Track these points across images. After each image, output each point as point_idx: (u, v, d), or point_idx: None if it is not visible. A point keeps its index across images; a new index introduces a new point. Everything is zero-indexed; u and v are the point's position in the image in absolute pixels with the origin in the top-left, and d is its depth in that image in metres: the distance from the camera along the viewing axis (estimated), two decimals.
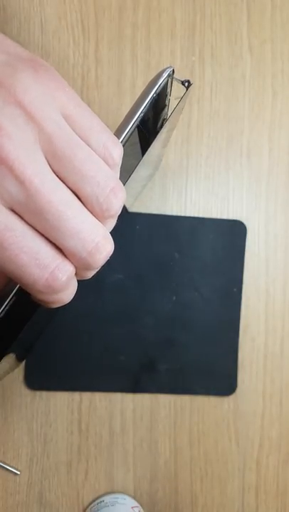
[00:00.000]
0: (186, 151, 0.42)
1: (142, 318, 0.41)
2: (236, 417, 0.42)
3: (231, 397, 0.42)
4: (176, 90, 0.25)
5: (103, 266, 0.19)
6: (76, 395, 0.40)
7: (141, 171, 0.29)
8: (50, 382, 0.40)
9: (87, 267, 0.18)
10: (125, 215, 0.40)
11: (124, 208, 0.39)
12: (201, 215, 0.42)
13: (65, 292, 0.18)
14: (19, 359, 0.38)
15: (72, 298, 0.19)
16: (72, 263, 0.18)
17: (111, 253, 0.18)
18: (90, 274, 0.19)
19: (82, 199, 0.18)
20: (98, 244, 0.18)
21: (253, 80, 0.42)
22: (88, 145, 0.18)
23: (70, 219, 0.17)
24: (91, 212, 0.18)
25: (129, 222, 0.41)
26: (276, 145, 0.43)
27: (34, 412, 0.40)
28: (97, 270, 0.19)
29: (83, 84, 0.41)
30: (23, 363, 0.40)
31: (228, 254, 0.42)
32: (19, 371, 0.40)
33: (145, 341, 0.41)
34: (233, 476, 0.42)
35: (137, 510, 0.39)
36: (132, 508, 0.39)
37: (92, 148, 0.18)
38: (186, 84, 0.24)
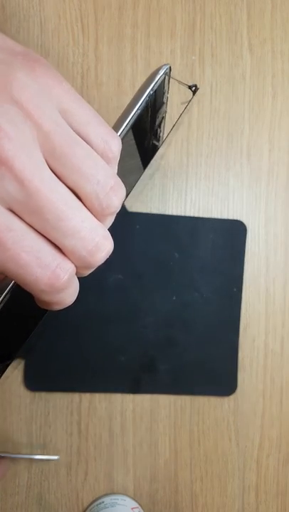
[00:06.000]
0: (186, 150, 0.42)
1: (142, 318, 0.41)
2: (236, 417, 0.42)
3: (231, 397, 0.42)
4: (183, 94, 0.25)
5: (101, 265, 0.19)
6: (76, 396, 0.40)
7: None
8: (50, 383, 0.40)
9: (87, 266, 0.18)
10: (125, 215, 0.40)
11: (124, 208, 0.39)
12: (201, 214, 0.42)
13: (67, 292, 0.18)
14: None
15: (74, 300, 0.19)
16: (72, 262, 0.18)
17: (110, 252, 0.18)
18: (88, 272, 0.19)
19: (81, 197, 0.17)
20: (98, 243, 0.18)
21: (253, 80, 0.42)
22: (87, 139, 0.18)
23: (70, 218, 0.17)
24: (90, 210, 0.18)
25: (129, 222, 0.40)
26: (276, 145, 0.43)
27: (33, 413, 0.40)
28: (94, 268, 0.19)
29: (83, 83, 0.40)
30: (23, 363, 0.40)
31: (228, 253, 0.42)
32: (18, 372, 0.40)
33: (145, 341, 0.41)
34: (233, 476, 0.42)
35: (137, 510, 0.39)
36: (132, 508, 0.39)
37: (90, 143, 0.18)
38: (193, 88, 0.24)
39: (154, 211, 0.41)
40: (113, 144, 0.18)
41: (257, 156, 0.43)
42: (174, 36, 0.41)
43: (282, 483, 0.42)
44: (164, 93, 0.25)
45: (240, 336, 0.42)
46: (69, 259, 0.18)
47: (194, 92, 0.24)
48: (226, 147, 0.42)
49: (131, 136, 0.22)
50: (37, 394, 0.40)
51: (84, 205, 0.18)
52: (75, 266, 0.18)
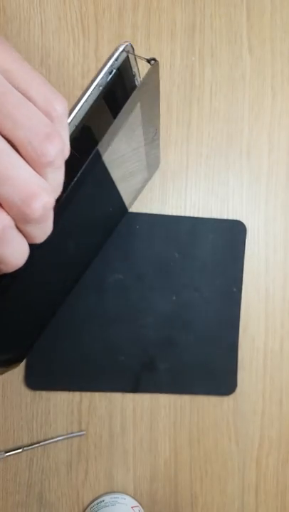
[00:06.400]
0: (185, 150, 0.42)
1: (142, 318, 0.41)
2: (236, 417, 0.42)
3: (231, 396, 0.42)
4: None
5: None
6: (76, 395, 0.40)
7: (128, 156, 0.28)
8: (50, 382, 0.40)
9: (25, 218, 0.17)
10: (125, 215, 0.40)
11: (124, 208, 0.39)
12: (200, 214, 0.42)
13: (7, 248, 0.18)
14: (17, 360, 0.37)
15: (21, 263, 0.19)
16: (8, 214, 0.17)
17: (50, 205, 0.18)
18: (35, 232, 0.18)
19: (16, 146, 0.17)
20: (34, 192, 0.17)
21: (252, 80, 0.43)
22: (29, 99, 0.17)
23: (1, 163, 0.16)
24: (26, 160, 0.17)
25: (129, 222, 0.41)
26: (276, 145, 0.43)
27: (34, 412, 0.40)
28: (41, 226, 0.18)
29: (83, 84, 0.41)
30: (23, 362, 0.40)
31: (227, 253, 0.42)
32: (19, 371, 0.40)
33: (145, 341, 0.41)
34: (232, 476, 0.42)
35: (137, 509, 0.39)
36: (132, 507, 0.39)
37: (33, 102, 0.18)
38: (152, 62, 0.23)
39: (154, 211, 0.42)
40: (56, 103, 0.18)
41: (257, 156, 0.43)
42: (173, 37, 0.42)
43: (282, 482, 0.42)
44: (133, 75, 0.24)
45: (240, 335, 0.42)
46: (5, 211, 0.17)
47: (152, 65, 0.23)
48: (225, 147, 0.42)
49: (96, 114, 0.22)
50: (38, 393, 0.40)
51: (20, 155, 0.17)
52: (14, 219, 0.17)
